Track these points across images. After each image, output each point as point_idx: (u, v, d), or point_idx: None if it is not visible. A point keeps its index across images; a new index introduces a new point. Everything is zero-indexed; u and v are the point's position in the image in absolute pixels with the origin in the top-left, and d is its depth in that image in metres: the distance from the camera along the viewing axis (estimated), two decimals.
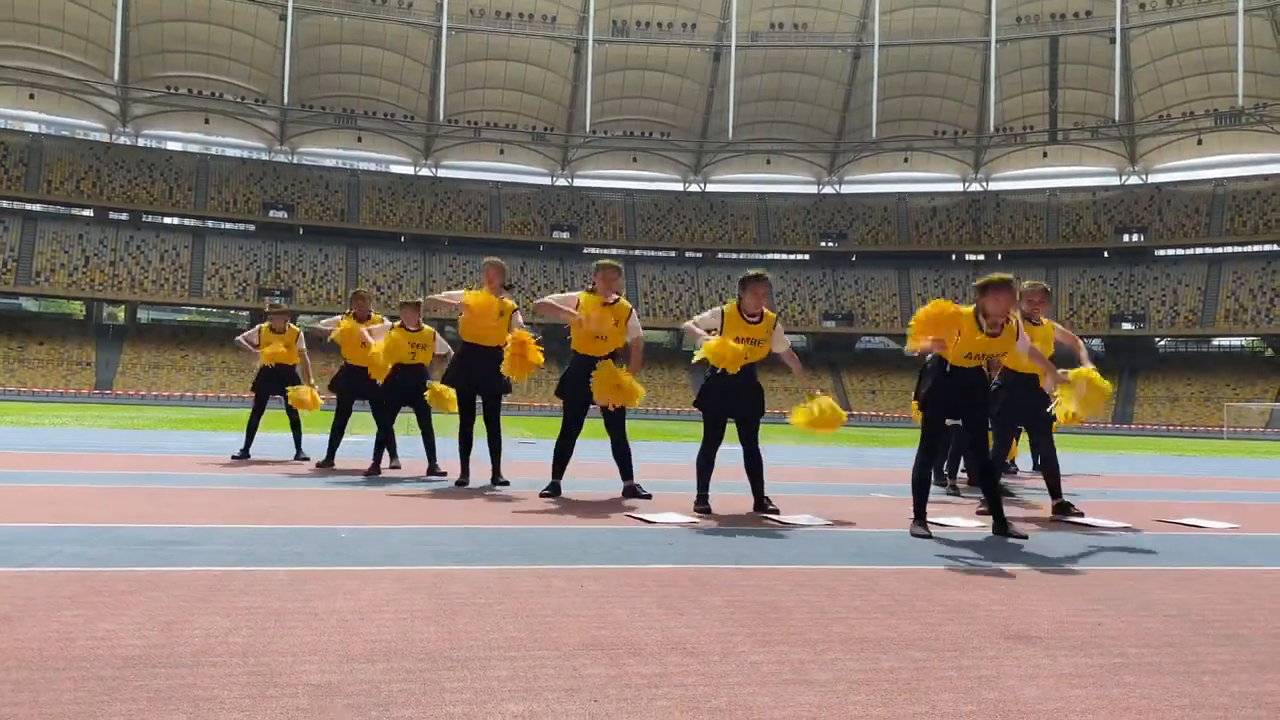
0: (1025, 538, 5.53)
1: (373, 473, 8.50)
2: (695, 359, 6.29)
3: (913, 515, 5.65)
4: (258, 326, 10.43)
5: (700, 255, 77.44)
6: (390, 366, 8.56)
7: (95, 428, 17.26)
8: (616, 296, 7.06)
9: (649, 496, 6.99)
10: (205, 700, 2.19)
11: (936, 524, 6.06)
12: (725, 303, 6.41)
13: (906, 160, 77.86)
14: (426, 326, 8.77)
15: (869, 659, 2.71)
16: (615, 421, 7.08)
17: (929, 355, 5.69)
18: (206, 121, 72.96)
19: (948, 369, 5.58)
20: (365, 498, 6.67)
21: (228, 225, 72.73)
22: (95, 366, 61.48)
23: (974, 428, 5.76)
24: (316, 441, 11.52)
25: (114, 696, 2.19)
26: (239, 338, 10.67)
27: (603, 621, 3.05)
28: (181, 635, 2.73)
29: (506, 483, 7.64)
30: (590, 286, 7.07)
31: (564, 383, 7.08)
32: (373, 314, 9.42)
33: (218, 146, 77.15)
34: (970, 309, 5.47)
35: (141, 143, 74.98)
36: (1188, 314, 67.41)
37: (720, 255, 76.54)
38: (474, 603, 3.27)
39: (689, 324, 6.47)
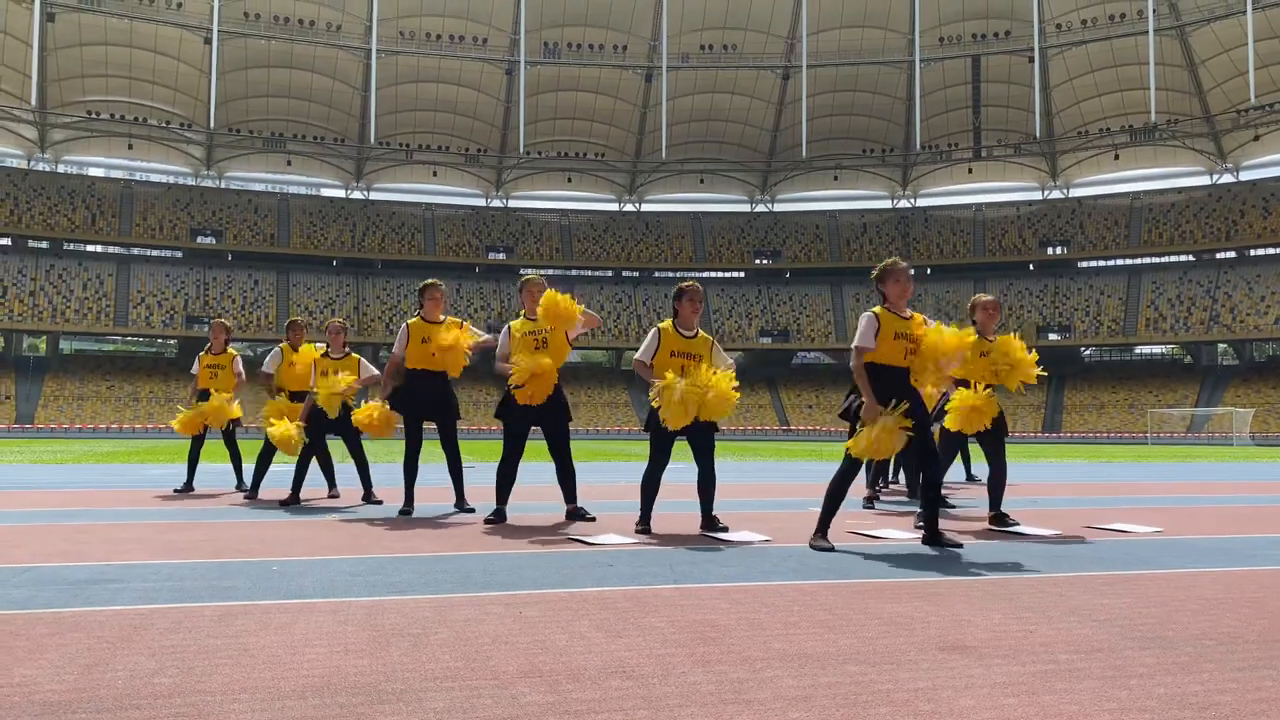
0: (960, 547, 5.60)
1: (291, 502, 8.23)
2: (652, 400, 6.07)
3: (816, 527, 5.66)
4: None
5: (637, 275, 77.77)
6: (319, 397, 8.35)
7: (15, 463, 16.67)
8: None
9: (593, 519, 6.95)
10: None
11: (871, 536, 6.13)
12: (660, 322, 6.45)
13: (836, 178, 79.22)
14: (352, 353, 8.64)
15: (807, 675, 2.72)
16: (560, 445, 7.00)
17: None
18: (130, 147, 71.33)
19: (877, 374, 5.58)
20: (298, 529, 6.53)
21: (154, 252, 71.12)
22: (15, 400, 59.49)
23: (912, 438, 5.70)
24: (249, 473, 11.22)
25: None
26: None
27: (541, 648, 3.03)
28: (104, 679, 2.63)
29: (472, 509, 7.56)
30: (520, 311, 7.11)
31: (504, 405, 7.01)
32: (304, 344, 9.17)
33: (142, 172, 75.46)
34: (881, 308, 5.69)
35: (61, 169, 73.10)
36: (1110, 324, 69.42)
37: (657, 274, 76.93)
38: (409, 633, 3.22)
39: (637, 360, 6.36)
